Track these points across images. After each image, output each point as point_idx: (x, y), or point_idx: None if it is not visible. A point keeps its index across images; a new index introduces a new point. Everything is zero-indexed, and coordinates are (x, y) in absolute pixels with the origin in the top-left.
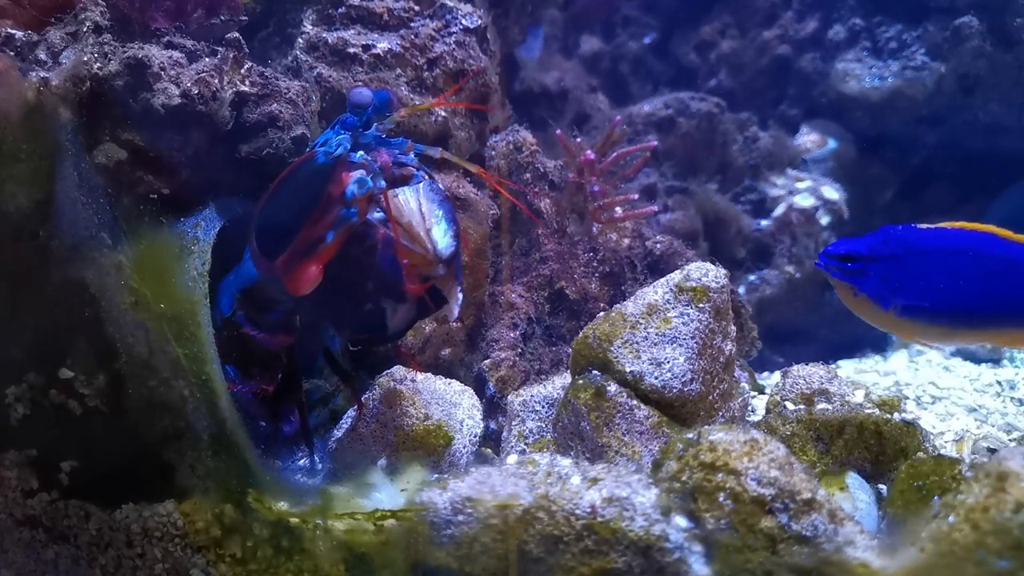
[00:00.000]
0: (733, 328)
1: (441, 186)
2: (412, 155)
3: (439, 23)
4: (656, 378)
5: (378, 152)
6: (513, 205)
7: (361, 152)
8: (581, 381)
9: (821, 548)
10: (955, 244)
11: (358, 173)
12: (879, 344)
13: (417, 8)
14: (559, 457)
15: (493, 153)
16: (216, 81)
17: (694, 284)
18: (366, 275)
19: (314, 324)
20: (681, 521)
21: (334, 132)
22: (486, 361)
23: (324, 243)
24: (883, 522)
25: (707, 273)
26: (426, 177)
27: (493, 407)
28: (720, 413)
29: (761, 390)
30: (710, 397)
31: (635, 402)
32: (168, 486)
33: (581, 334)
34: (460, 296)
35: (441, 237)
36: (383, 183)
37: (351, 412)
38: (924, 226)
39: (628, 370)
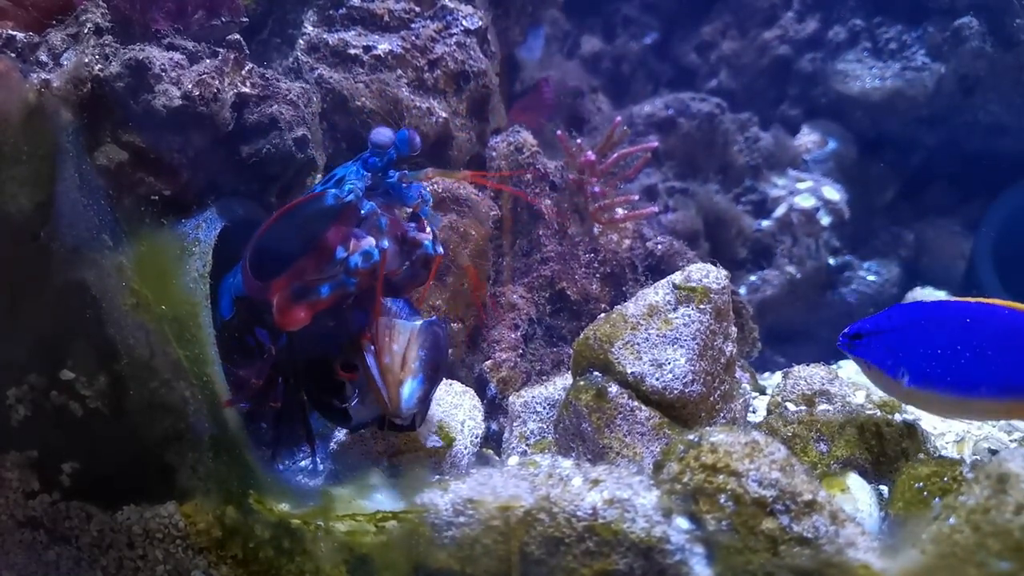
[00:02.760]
0: (734, 329)
1: (439, 330)
2: (427, 208)
3: (440, 24)
4: (657, 379)
5: (389, 211)
6: (514, 206)
7: (372, 204)
8: (582, 382)
9: (822, 549)
10: (958, 314)
11: (367, 243)
12: None
13: (418, 9)
14: (560, 458)
15: (494, 154)
16: (217, 82)
17: (695, 285)
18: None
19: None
20: (682, 523)
21: (355, 168)
22: (487, 362)
23: (318, 295)
24: (884, 523)
25: (708, 274)
26: (432, 254)
27: (494, 408)
28: (721, 414)
29: (762, 391)
30: (711, 398)
31: (636, 403)
32: (169, 487)
33: (582, 335)
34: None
35: (408, 395)
36: (385, 244)
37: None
38: (930, 300)
39: (629, 371)
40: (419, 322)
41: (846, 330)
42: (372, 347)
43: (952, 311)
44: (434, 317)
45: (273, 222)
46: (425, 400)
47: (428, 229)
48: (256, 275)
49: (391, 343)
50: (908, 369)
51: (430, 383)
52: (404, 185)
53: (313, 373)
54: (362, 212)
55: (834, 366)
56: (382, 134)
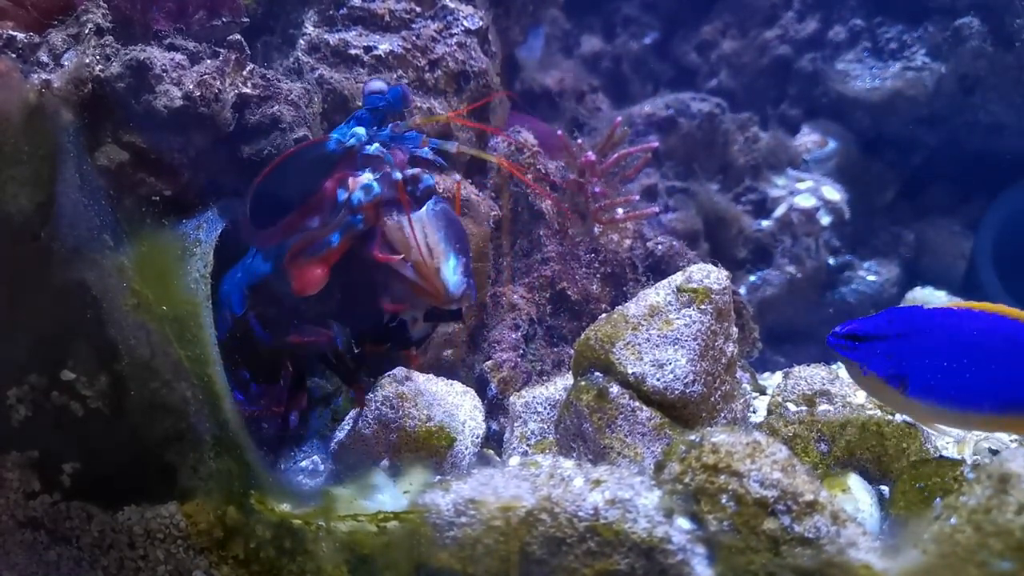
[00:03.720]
0: (735, 329)
1: (445, 205)
2: (427, 149)
3: (440, 24)
4: (658, 380)
5: (392, 149)
6: (514, 206)
7: (377, 145)
8: (583, 383)
9: (823, 550)
10: (961, 324)
11: (365, 178)
12: None
13: (418, 9)
14: (561, 459)
15: (494, 154)
16: (218, 83)
17: (696, 286)
18: (378, 286)
19: (321, 323)
20: (684, 523)
21: (347, 127)
22: (488, 362)
23: (330, 245)
24: (885, 523)
25: (709, 275)
26: (435, 184)
27: (495, 408)
28: (722, 414)
29: (763, 391)
30: (712, 398)
31: (637, 404)
32: (170, 488)
33: (583, 335)
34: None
35: (451, 275)
36: (398, 175)
37: (353, 413)
38: (931, 307)
39: (630, 372)
40: (423, 210)
41: (837, 329)
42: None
43: (955, 320)
44: (433, 197)
45: (273, 168)
46: (467, 272)
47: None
48: (256, 222)
49: (411, 239)
50: (909, 379)
51: (464, 255)
52: (399, 133)
53: (362, 324)
54: (367, 152)
55: (834, 366)
56: (376, 85)
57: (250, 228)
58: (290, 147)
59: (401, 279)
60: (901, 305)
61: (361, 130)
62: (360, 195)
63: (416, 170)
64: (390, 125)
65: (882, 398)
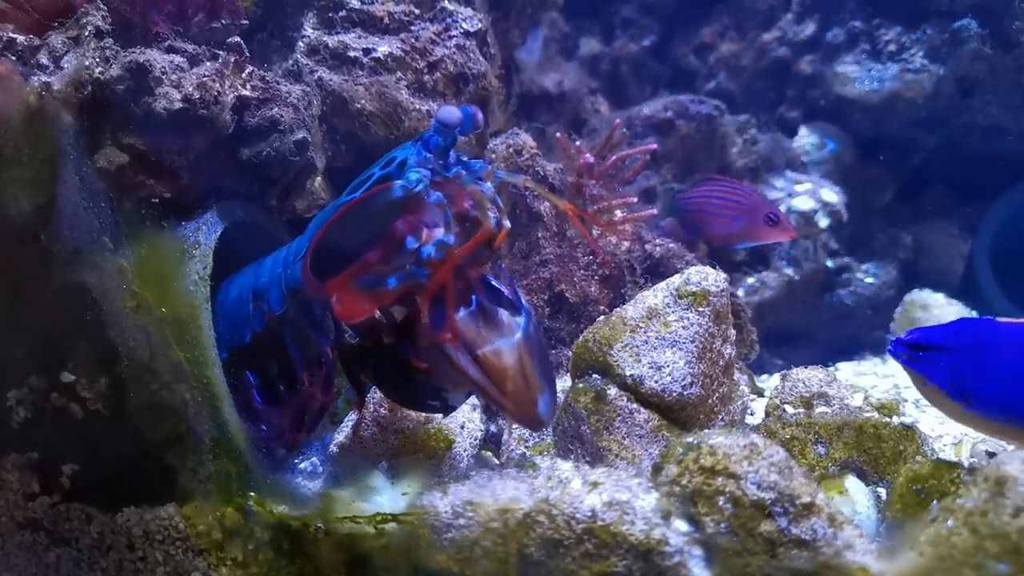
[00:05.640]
0: (733, 332)
1: (535, 322)
2: (490, 184)
3: (439, 26)
4: (656, 382)
5: (458, 193)
6: (513, 207)
7: (439, 195)
8: (581, 385)
9: (820, 552)
10: None
11: (439, 232)
12: (878, 347)
13: (417, 11)
14: (559, 461)
15: (493, 156)
16: (217, 85)
17: (694, 288)
18: (431, 358)
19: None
20: (681, 525)
21: (416, 150)
22: None
23: (384, 286)
24: (882, 526)
25: (707, 277)
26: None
27: (493, 410)
28: (720, 417)
29: (760, 393)
30: (710, 401)
31: (635, 406)
32: (170, 489)
33: (581, 338)
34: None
35: (544, 408)
36: (451, 238)
37: (351, 415)
38: (1003, 320)
39: (628, 374)
40: (518, 335)
41: (903, 336)
42: (458, 346)
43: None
44: (524, 312)
45: (339, 217)
46: (555, 400)
47: (493, 202)
48: (318, 274)
49: (508, 372)
50: (973, 394)
51: (553, 383)
52: (466, 159)
53: (398, 384)
54: (429, 200)
55: (832, 368)
56: (450, 112)
57: (310, 278)
58: (290, 149)
59: (461, 374)
60: (902, 305)
61: (426, 170)
62: (431, 250)
63: (477, 212)
64: (458, 155)
65: (944, 410)
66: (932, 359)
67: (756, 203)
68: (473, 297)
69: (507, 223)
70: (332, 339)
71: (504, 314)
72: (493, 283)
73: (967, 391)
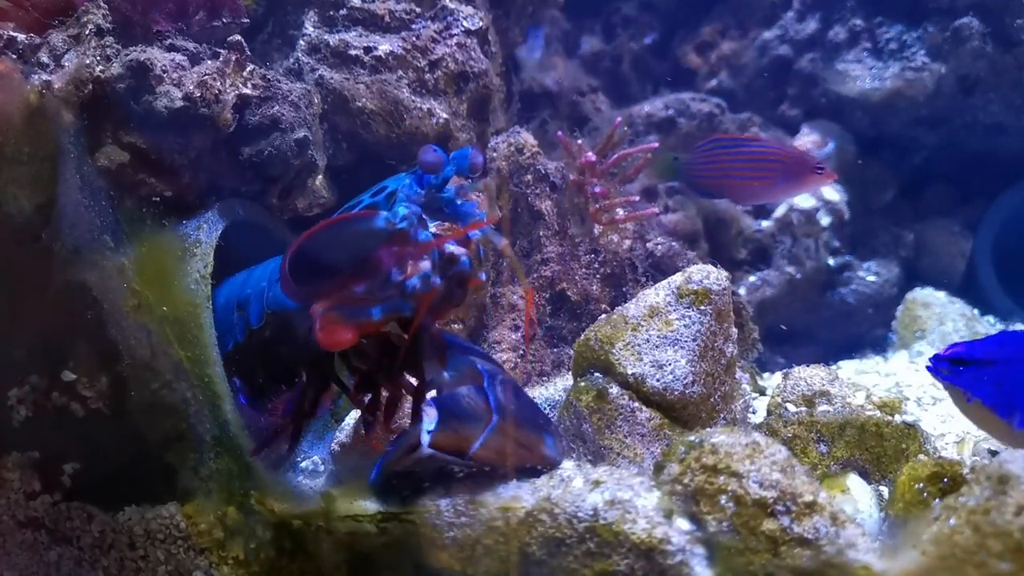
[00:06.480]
0: (734, 330)
1: (510, 383)
2: (476, 233)
3: (440, 25)
4: (658, 380)
5: (444, 235)
6: (514, 206)
7: (427, 234)
8: (583, 383)
9: (823, 550)
10: None
11: (425, 266)
12: (879, 345)
13: (418, 10)
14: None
15: (494, 155)
16: (218, 84)
17: (695, 287)
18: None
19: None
20: (683, 524)
21: (408, 183)
22: None
23: (368, 317)
24: (884, 524)
25: (708, 275)
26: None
27: None
28: (722, 415)
29: (762, 392)
30: (712, 399)
31: (637, 404)
32: (171, 488)
33: (583, 336)
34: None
35: (551, 451)
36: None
37: (353, 414)
38: None
39: (630, 372)
40: (495, 418)
41: (942, 352)
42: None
43: None
44: (485, 376)
45: (318, 230)
46: (561, 441)
47: (473, 248)
48: (295, 279)
49: (505, 452)
50: (1021, 407)
51: (550, 424)
52: (459, 202)
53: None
54: (418, 239)
55: (834, 366)
56: (430, 153)
57: (289, 283)
58: (291, 148)
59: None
60: (904, 303)
61: (415, 208)
62: (416, 283)
63: (453, 249)
64: (454, 189)
65: (988, 428)
66: (975, 373)
67: (797, 157)
68: (431, 400)
69: (483, 276)
70: (309, 363)
71: (470, 394)
72: (449, 339)
73: (1015, 405)
